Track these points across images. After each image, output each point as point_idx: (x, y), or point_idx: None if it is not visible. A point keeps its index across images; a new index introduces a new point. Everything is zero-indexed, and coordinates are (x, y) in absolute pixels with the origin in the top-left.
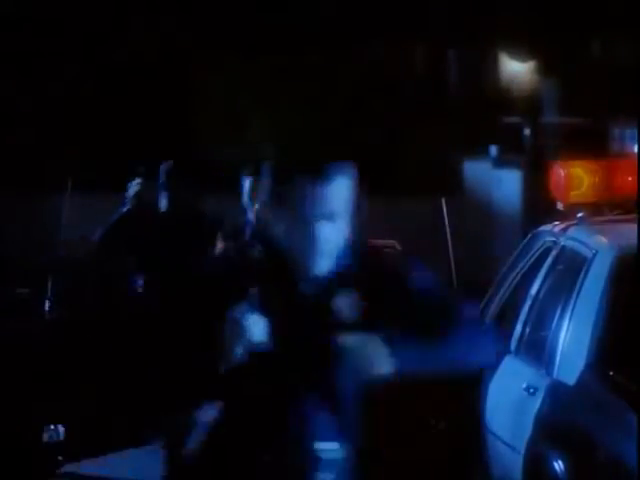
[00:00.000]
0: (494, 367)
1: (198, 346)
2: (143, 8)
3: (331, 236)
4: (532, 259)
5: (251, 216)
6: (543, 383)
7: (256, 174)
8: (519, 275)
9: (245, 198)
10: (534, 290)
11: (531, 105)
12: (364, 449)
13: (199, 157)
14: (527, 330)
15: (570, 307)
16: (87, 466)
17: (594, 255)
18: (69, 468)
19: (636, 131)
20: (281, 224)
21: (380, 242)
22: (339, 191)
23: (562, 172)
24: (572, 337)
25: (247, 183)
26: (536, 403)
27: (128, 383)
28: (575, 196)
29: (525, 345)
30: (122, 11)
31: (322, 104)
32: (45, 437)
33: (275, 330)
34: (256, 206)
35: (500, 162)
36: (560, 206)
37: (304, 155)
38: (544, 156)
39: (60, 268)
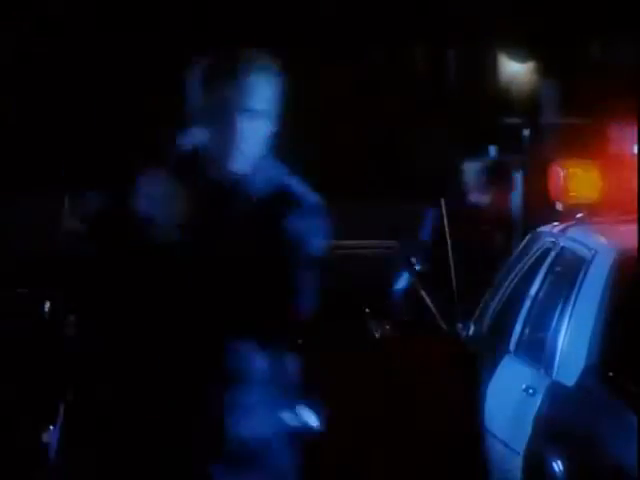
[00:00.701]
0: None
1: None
2: (142, 8)
3: None
4: (531, 260)
5: None
6: (542, 384)
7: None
8: (518, 275)
9: None
10: (533, 291)
11: (531, 105)
12: None
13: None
14: (526, 331)
15: (569, 308)
16: None
17: (593, 256)
18: None
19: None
20: None
21: (375, 242)
22: None
23: (561, 172)
24: (571, 338)
25: None
26: (535, 404)
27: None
28: (574, 197)
29: (524, 345)
30: (121, 11)
31: (321, 104)
32: (45, 437)
33: None
34: None
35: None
36: (559, 207)
37: (303, 156)
38: (544, 156)
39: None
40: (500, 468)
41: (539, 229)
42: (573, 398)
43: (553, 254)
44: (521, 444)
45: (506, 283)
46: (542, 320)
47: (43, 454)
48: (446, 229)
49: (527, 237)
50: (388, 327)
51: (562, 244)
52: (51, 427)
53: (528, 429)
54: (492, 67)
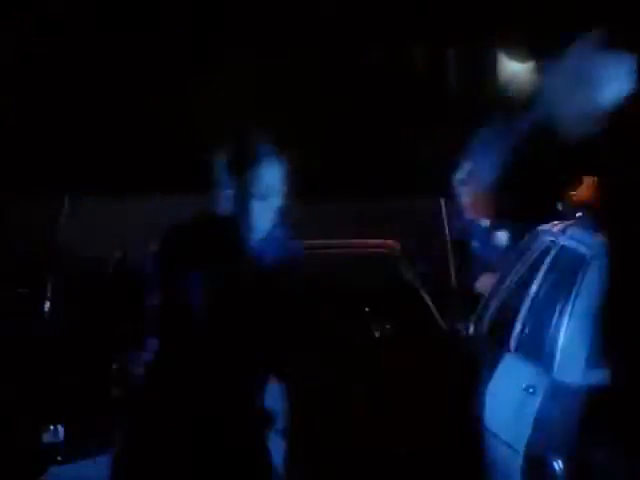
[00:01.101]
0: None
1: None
2: (142, 8)
3: None
4: (531, 259)
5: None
6: (543, 383)
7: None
8: (518, 274)
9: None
10: (533, 289)
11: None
12: None
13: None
14: (526, 330)
15: (569, 306)
16: (85, 467)
17: (593, 255)
18: (67, 469)
19: None
20: None
21: (375, 242)
22: None
23: None
24: (572, 337)
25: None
26: (536, 402)
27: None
28: (574, 197)
29: (525, 345)
30: (121, 11)
31: (321, 104)
32: (45, 437)
33: None
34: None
35: None
36: (559, 206)
37: (302, 155)
38: None
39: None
40: (500, 468)
41: (539, 228)
42: (573, 396)
43: (553, 253)
44: (521, 444)
45: (506, 282)
46: (542, 319)
47: (43, 454)
48: (446, 229)
49: (527, 236)
50: (388, 327)
51: (562, 243)
52: (51, 427)
53: (528, 429)
54: (492, 67)
